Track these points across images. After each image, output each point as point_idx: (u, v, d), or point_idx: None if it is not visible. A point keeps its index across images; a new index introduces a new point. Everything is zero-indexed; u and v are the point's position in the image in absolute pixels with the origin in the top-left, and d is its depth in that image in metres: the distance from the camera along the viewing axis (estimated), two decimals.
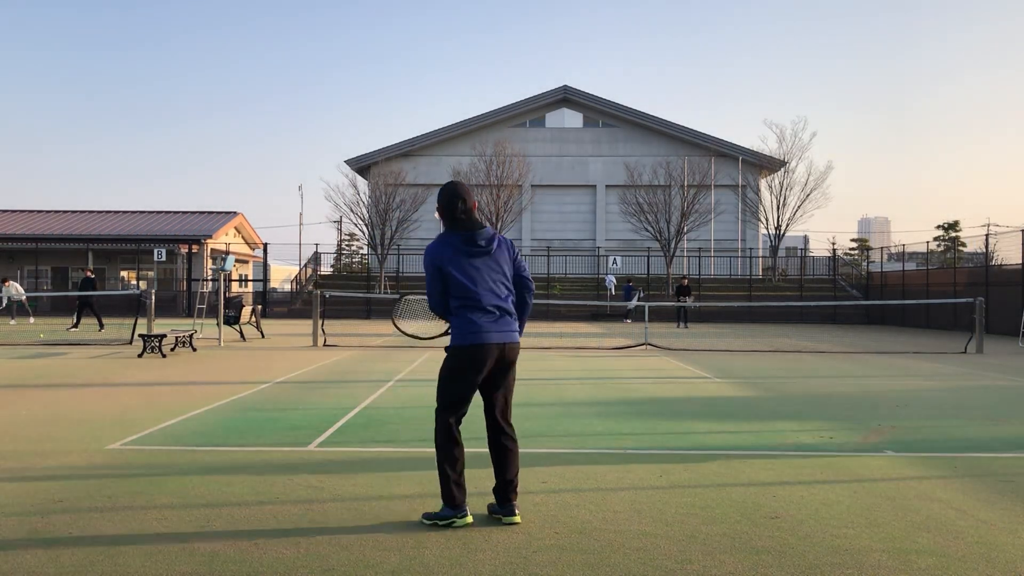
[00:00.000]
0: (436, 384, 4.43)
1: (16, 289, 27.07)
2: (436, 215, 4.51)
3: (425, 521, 4.30)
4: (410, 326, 5.47)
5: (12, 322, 26.37)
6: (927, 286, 30.17)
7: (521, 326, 4.50)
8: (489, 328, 4.27)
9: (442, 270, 4.29)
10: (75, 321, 22.95)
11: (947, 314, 27.75)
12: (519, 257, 4.55)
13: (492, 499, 4.45)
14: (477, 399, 4.42)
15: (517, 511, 4.35)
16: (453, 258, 4.28)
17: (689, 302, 28.04)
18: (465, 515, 4.27)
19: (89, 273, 24.60)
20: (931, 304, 27.87)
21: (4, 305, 26.86)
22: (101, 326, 22.31)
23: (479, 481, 4.93)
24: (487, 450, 4.50)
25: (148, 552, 3.78)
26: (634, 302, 29.75)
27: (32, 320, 26.87)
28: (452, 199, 4.34)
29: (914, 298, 29.36)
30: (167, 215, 41.91)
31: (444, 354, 4.43)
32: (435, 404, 4.49)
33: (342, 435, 6.79)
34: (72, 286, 38.90)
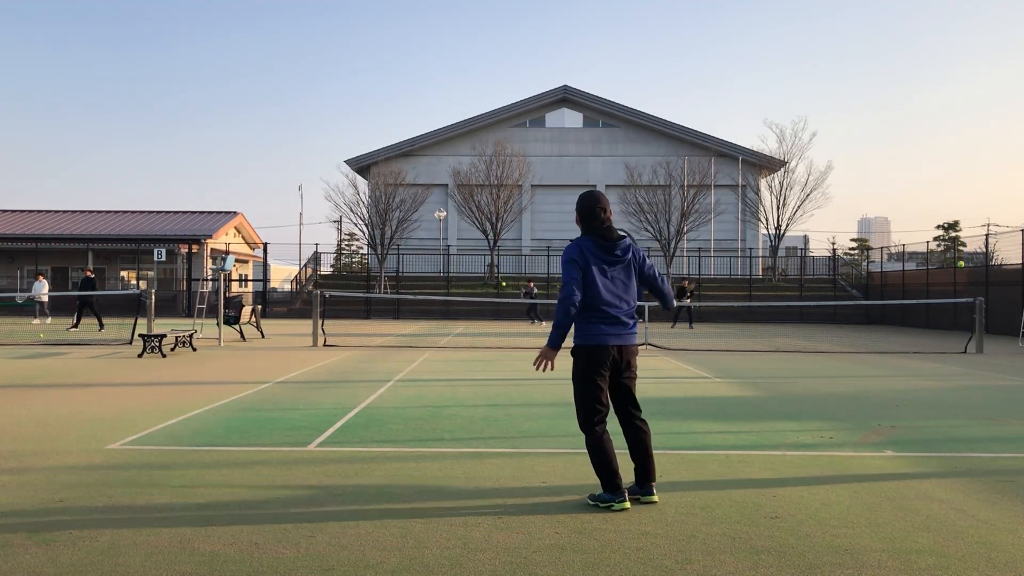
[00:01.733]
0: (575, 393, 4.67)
1: (44, 287, 27.16)
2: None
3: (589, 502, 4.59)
4: None
5: (35, 321, 26.44)
6: (927, 286, 30.17)
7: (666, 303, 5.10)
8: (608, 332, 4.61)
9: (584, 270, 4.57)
10: (75, 321, 22.96)
11: (947, 314, 27.76)
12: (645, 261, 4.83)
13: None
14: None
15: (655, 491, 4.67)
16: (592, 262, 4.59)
17: (686, 302, 28.03)
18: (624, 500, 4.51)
19: (89, 273, 24.60)
20: (931, 304, 27.87)
21: (34, 301, 26.91)
22: (101, 326, 22.32)
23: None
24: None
25: (148, 552, 3.78)
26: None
27: (49, 321, 26.75)
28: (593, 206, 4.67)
29: (914, 298, 29.35)
30: (167, 215, 41.92)
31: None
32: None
33: (342, 435, 6.79)
34: (72, 286, 38.92)
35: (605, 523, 4.31)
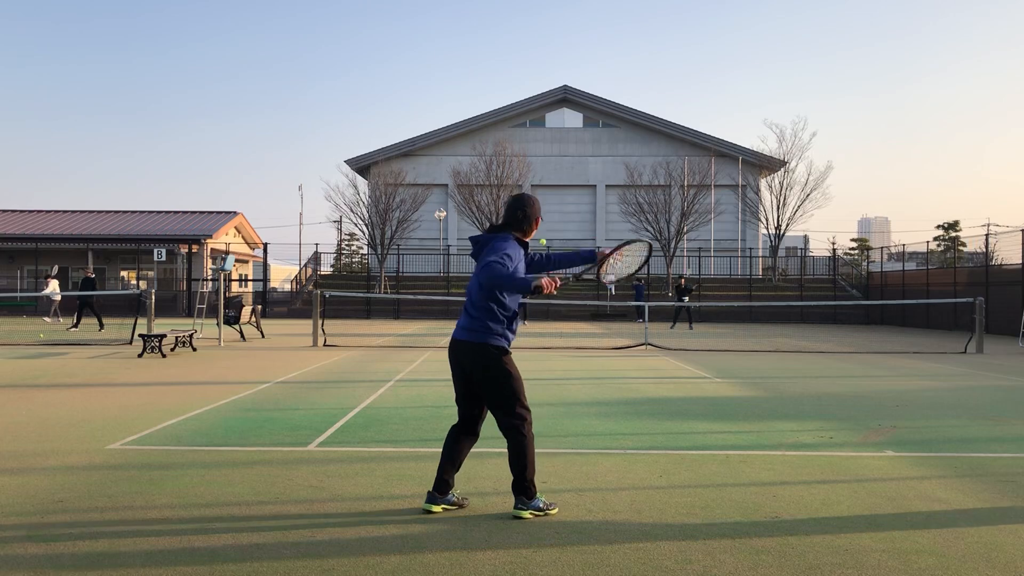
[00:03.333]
0: (506, 390, 4.43)
1: (54, 288, 27.14)
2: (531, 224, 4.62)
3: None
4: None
5: (48, 320, 26.46)
6: (927, 286, 30.17)
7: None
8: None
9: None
10: (75, 321, 22.96)
11: (947, 314, 27.75)
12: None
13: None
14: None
15: (519, 505, 4.43)
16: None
17: (686, 301, 27.99)
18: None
19: (89, 273, 24.61)
20: (931, 304, 27.87)
21: (48, 300, 26.87)
22: (101, 326, 22.33)
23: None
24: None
25: (148, 552, 3.78)
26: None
27: (61, 320, 26.65)
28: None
29: (914, 298, 29.35)
30: (167, 215, 41.91)
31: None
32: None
33: (342, 435, 6.79)
34: (72, 286, 38.91)
35: (605, 523, 4.31)
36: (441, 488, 4.47)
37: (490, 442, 6.43)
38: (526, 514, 4.38)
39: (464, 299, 4.61)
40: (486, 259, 4.39)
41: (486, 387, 4.43)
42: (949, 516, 4.49)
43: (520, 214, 4.55)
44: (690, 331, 26.15)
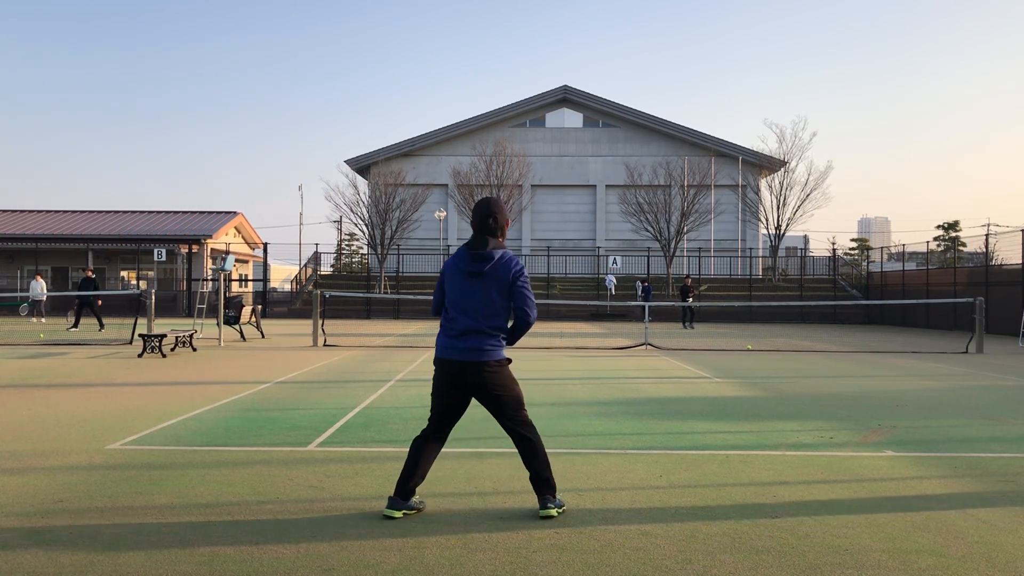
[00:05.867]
0: (517, 397, 4.45)
1: (42, 287, 27.27)
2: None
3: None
4: None
5: (34, 320, 26.57)
6: (927, 286, 30.17)
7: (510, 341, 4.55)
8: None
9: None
10: (75, 321, 22.98)
11: (947, 314, 27.75)
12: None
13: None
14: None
15: (550, 505, 4.40)
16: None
17: (690, 301, 28.00)
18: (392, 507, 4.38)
19: (89, 274, 24.64)
20: (931, 304, 27.87)
21: (30, 301, 27.06)
22: (101, 326, 22.34)
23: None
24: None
25: (148, 552, 3.78)
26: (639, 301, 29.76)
27: (44, 320, 26.91)
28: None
29: (914, 298, 29.35)
30: (167, 215, 41.91)
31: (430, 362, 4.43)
32: (429, 405, 4.52)
33: (342, 435, 6.79)
34: (72, 286, 38.91)
35: (605, 523, 4.30)
36: (406, 494, 4.41)
37: (490, 442, 6.44)
38: (554, 512, 4.38)
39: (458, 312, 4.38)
40: (522, 289, 4.37)
41: (502, 400, 4.38)
42: (949, 516, 4.49)
43: (492, 222, 4.39)
44: (691, 330, 26.18)
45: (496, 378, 4.34)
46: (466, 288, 4.34)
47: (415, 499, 4.49)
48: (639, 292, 32.67)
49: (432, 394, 4.49)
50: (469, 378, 4.32)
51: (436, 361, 4.45)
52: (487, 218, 4.39)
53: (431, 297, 4.67)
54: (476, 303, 4.33)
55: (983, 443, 6.76)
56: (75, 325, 22.75)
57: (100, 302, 23.41)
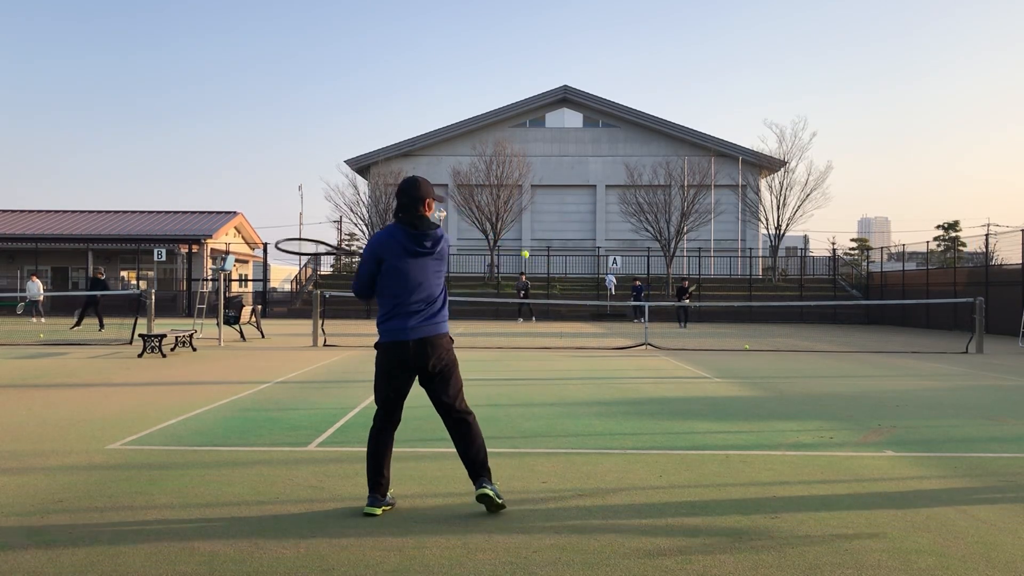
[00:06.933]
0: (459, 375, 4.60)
1: (39, 287, 27.30)
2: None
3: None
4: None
5: (33, 320, 26.57)
6: (927, 286, 30.17)
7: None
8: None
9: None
10: (77, 320, 23.00)
11: (947, 314, 27.75)
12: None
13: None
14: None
15: (486, 486, 4.43)
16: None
17: (685, 302, 28.09)
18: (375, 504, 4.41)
19: (100, 275, 24.72)
20: (931, 304, 27.87)
21: (26, 302, 27.12)
22: (101, 326, 22.34)
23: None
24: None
25: (148, 552, 3.78)
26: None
27: (43, 320, 26.93)
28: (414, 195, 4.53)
29: (914, 298, 29.35)
30: (167, 215, 41.92)
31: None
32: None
33: (342, 435, 6.79)
34: (72, 286, 38.94)
35: (605, 523, 4.30)
36: (383, 489, 4.44)
37: (491, 442, 6.43)
38: (492, 492, 4.39)
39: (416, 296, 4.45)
40: (446, 256, 4.61)
41: (449, 377, 4.53)
42: (949, 516, 4.49)
43: (406, 200, 4.52)
44: (684, 329, 26.29)
45: (448, 351, 4.53)
46: (413, 267, 4.49)
47: (390, 493, 4.55)
48: (632, 293, 32.76)
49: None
50: (427, 353, 4.45)
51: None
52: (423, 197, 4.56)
53: None
54: (428, 279, 4.51)
55: (983, 443, 6.76)
56: (78, 323, 22.75)
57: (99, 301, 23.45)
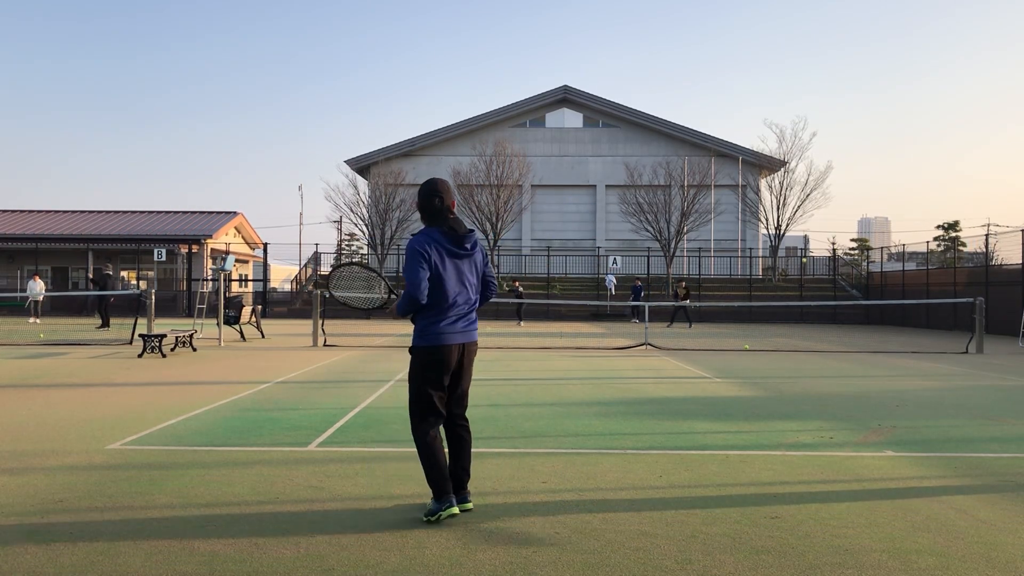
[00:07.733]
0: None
1: (40, 287, 27.32)
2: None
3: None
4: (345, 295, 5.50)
5: (31, 320, 26.60)
6: (927, 286, 30.17)
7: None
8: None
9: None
10: (103, 320, 23.00)
11: (947, 314, 27.75)
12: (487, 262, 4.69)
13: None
14: None
15: (469, 500, 4.48)
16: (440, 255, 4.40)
17: (686, 303, 28.11)
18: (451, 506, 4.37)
19: (108, 271, 24.78)
20: (931, 304, 27.87)
21: (29, 302, 27.19)
22: (103, 324, 22.38)
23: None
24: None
25: (148, 552, 3.78)
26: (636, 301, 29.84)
27: (39, 321, 26.99)
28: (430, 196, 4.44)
29: (914, 298, 29.35)
30: (167, 215, 41.92)
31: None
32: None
33: (342, 435, 6.79)
34: (72, 286, 38.94)
35: (605, 523, 4.30)
36: (453, 485, 4.44)
37: (491, 442, 6.44)
38: (471, 506, 4.46)
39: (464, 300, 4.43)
40: (487, 262, 4.60)
41: (466, 387, 4.56)
42: (949, 516, 4.49)
43: (438, 202, 4.42)
44: (688, 329, 26.31)
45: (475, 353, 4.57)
46: (457, 269, 4.44)
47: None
48: (631, 293, 32.78)
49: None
50: (469, 356, 4.50)
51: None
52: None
53: None
54: (471, 282, 4.50)
55: (983, 443, 6.76)
56: (105, 324, 22.71)
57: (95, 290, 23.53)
